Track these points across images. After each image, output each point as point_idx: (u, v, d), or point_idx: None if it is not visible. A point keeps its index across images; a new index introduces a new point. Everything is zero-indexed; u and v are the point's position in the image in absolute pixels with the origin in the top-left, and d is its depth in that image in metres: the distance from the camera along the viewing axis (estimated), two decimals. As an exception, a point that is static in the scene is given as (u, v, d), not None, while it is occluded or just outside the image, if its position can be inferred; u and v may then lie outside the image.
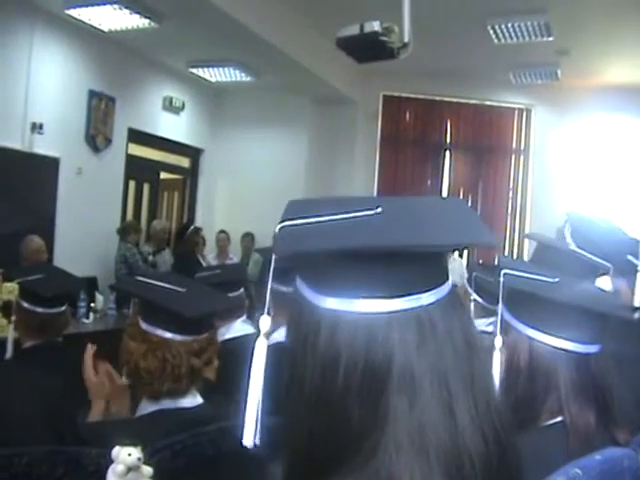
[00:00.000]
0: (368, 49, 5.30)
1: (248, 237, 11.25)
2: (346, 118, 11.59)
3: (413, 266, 0.95)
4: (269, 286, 1.01)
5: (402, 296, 0.94)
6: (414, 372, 0.93)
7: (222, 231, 11.22)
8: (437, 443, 0.91)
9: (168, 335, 2.24)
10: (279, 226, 1.00)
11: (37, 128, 8.52)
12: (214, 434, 1.97)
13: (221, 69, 10.54)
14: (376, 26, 5.08)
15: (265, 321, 1.01)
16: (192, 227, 10.99)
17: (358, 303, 0.95)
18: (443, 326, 0.96)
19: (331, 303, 0.97)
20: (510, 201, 11.98)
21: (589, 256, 2.70)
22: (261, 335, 1.01)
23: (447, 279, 1.00)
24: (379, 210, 0.97)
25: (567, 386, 1.64)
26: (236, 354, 2.50)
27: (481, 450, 0.92)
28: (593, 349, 1.68)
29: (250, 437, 1.01)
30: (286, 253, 0.99)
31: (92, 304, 7.64)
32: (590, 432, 1.60)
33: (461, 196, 11.83)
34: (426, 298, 0.95)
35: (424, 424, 0.92)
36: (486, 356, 0.99)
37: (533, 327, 1.69)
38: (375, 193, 11.67)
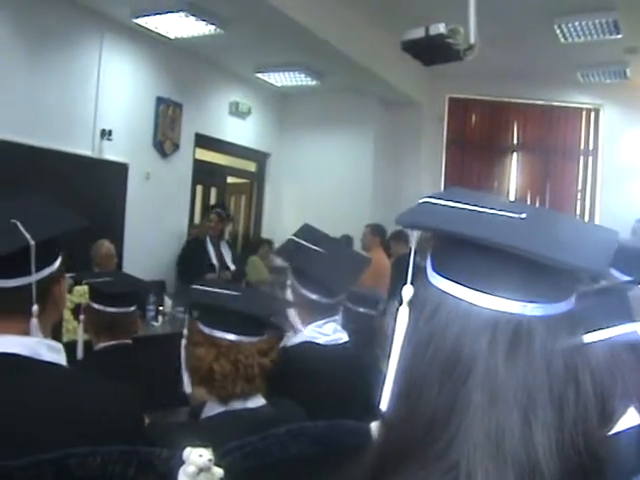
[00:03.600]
0: (434, 51, 5.28)
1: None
2: (412, 120, 11.52)
3: (531, 274, 0.94)
4: (411, 258, 1.03)
5: (507, 298, 0.94)
6: (498, 375, 0.92)
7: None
8: (512, 450, 0.90)
9: (235, 337, 2.27)
10: (421, 200, 1.02)
11: (106, 135, 8.68)
12: (283, 436, 1.98)
13: (287, 73, 10.60)
14: (442, 28, 5.06)
15: (408, 290, 1.02)
16: (264, 243, 11.01)
17: (466, 291, 0.95)
18: (541, 342, 0.94)
19: (444, 284, 0.98)
20: (578, 203, 11.77)
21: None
22: (404, 304, 1.02)
23: (565, 299, 0.98)
24: (523, 216, 0.97)
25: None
26: (294, 361, 2.51)
27: (556, 472, 0.91)
28: None
29: (385, 402, 1.02)
30: (419, 226, 1.02)
31: (160, 307, 7.72)
32: None
33: (528, 198, 11.67)
34: (531, 309, 0.94)
35: (502, 427, 0.91)
36: (589, 387, 0.95)
37: None
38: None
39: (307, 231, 3.23)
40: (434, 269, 1.01)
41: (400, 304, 1.04)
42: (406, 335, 1.02)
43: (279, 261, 10.50)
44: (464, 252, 0.96)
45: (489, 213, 0.98)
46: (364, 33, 8.96)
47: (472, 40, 5.11)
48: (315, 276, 2.98)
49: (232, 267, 9.00)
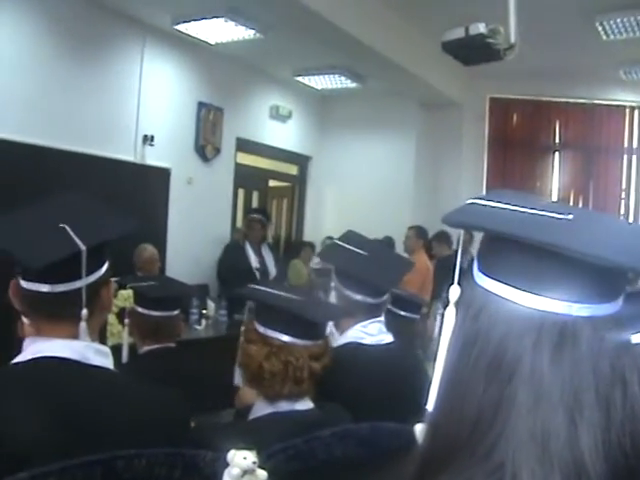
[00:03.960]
0: (474, 51, 5.26)
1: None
2: (453, 121, 11.47)
3: (578, 275, 0.94)
4: (458, 258, 1.04)
5: (553, 298, 0.94)
6: (544, 375, 0.92)
7: (329, 237, 11.21)
8: (558, 451, 0.90)
9: (288, 339, 2.30)
10: (468, 201, 1.03)
11: (148, 140, 8.76)
12: (328, 439, 1.98)
13: (327, 76, 10.59)
14: (481, 28, 5.04)
15: (455, 291, 1.03)
16: (306, 246, 11.03)
17: (512, 291, 0.96)
18: (587, 343, 0.93)
19: (490, 284, 0.98)
20: (622, 202, 11.62)
21: None
22: (451, 304, 1.03)
23: (613, 300, 0.97)
24: (570, 217, 0.97)
25: None
26: (342, 362, 2.52)
27: (602, 473, 0.90)
28: None
29: (431, 402, 1.03)
30: (466, 226, 1.03)
31: (204, 311, 7.77)
32: None
33: (571, 198, 11.55)
34: (577, 309, 0.94)
35: (547, 428, 0.91)
36: (636, 388, 0.94)
37: None
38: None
39: (350, 236, 3.26)
40: (480, 269, 1.01)
41: (446, 305, 1.04)
42: (452, 335, 1.02)
43: (321, 264, 10.53)
44: (510, 252, 0.97)
45: (536, 214, 0.98)
46: (404, 35, 8.95)
47: (512, 39, 5.08)
48: (359, 276, 3.01)
49: (274, 271, 8.99)
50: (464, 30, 5.11)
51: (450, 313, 1.03)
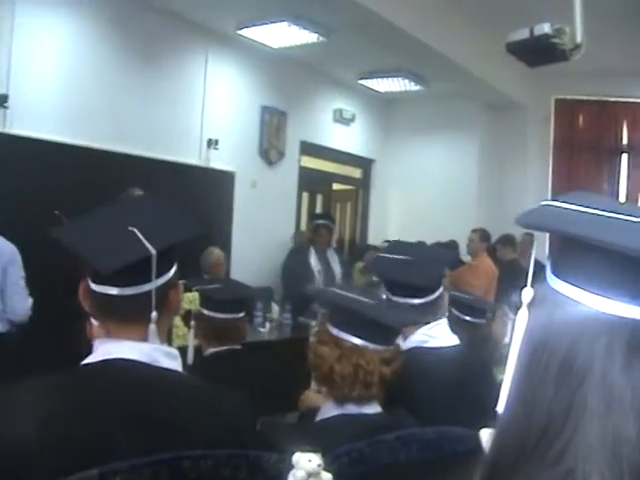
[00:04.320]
0: (539, 52, 5.20)
1: (421, 246, 11.13)
2: (517, 123, 11.35)
3: None
4: (532, 260, 1.04)
5: (627, 303, 0.93)
6: (615, 380, 0.91)
7: (387, 241, 11.16)
8: (629, 457, 0.88)
9: (360, 342, 2.30)
10: (542, 203, 1.03)
11: (213, 144, 8.84)
12: (392, 443, 1.98)
13: (390, 79, 10.57)
14: (547, 28, 4.98)
15: (528, 293, 1.02)
16: (370, 249, 11.01)
17: (585, 295, 0.95)
18: None
19: (562, 287, 0.98)
20: (692, 203, 11.36)
21: None
22: (523, 306, 1.02)
23: None
24: None
25: None
26: (408, 367, 2.52)
27: None
28: None
29: (502, 405, 1.03)
30: (540, 227, 1.02)
31: (268, 314, 7.82)
32: None
33: (639, 201, 11.33)
34: None
35: (618, 433, 0.89)
36: None
37: None
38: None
39: (392, 245, 3.32)
40: (553, 272, 1.00)
41: (517, 308, 1.04)
42: (523, 338, 1.01)
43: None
44: (584, 255, 0.95)
45: (611, 217, 0.97)
46: (467, 36, 8.89)
47: (578, 39, 5.01)
48: (397, 279, 3.05)
49: (339, 274, 8.99)
50: (529, 31, 5.06)
51: (522, 316, 1.02)
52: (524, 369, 0.99)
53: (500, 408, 1.02)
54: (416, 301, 3.01)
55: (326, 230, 9.04)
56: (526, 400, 0.97)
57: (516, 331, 1.03)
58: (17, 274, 4.81)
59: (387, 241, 10.88)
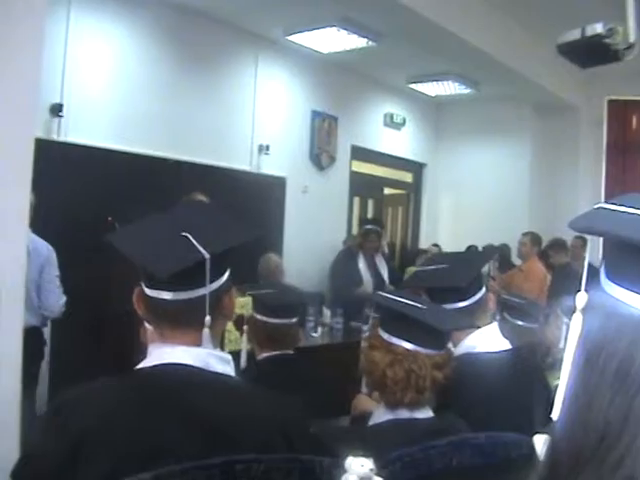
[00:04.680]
0: (591, 53, 5.14)
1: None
2: (569, 126, 11.21)
3: None
4: (586, 264, 1.03)
5: None
6: None
7: (435, 244, 11.10)
8: None
9: (411, 347, 2.30)
10: (596, 205, 1.02)
11: (264, 149, 8.90)
12: (444, 448, 1.98)
13: (440, 83, 10.54)
14: (599, 28, 4.92)
15: (582, 298, 1.02)
16: (421, 253, 10.98)
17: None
18: None
19: (617, 292, 0.97)
20: None
21: None
22: (577, 311, 1.02)
23: None
24: None
25: None
26: (459, 372, 2.51)
27: None
28: None
29: (556, 412, 1.02)
30: (593, 231, 1.01)
31: (319, 318, 7.82)
32: None
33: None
34: None
35: None
36: None
37: None
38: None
39: (430, 259, 3.36)
40: (607, 276, 0.99)
41: (572, 313, 1.03)
42: (578, 343, 1.00)
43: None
44: (635, 258, 0.94)
45: None
46: (518, 38, 8.83)
47: (632, 39, 4.94)
48: (436, 285, 3.09)
49: (387, 279, 8.94)
50: (580, 31, 5.01)
51: (576, 321, 1.02)
52: (580, 375, 0.98)
53: (555, 414, 1.01)
54: (459, 305, 3.01)
55: (375, 235, 9.00)
56: (582, 406, 0.96)
57: (570, 336, 1.02)
58: (52, 272, 4.99)
59: (435, 244, 10.88)
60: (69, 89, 6.83)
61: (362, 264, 8.84)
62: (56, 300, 5.00)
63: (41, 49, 3.85)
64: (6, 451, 3.44)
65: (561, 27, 5.22)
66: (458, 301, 3.02)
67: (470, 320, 2.89)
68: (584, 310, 1.01)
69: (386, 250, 9.71)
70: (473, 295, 3.07)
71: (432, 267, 3.28)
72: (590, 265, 1.05)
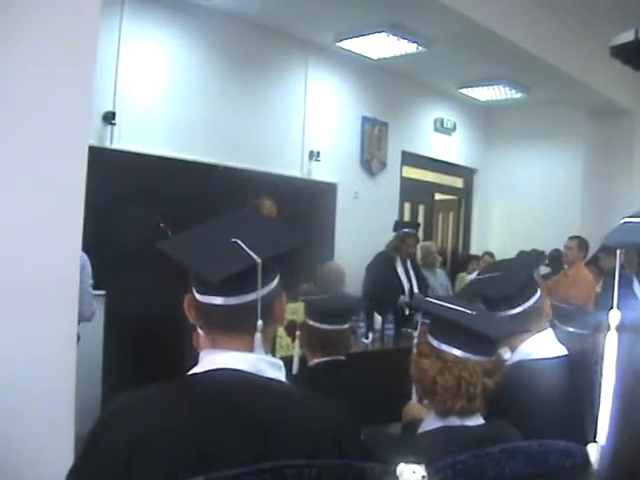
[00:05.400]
0: (645, 56, 5.08)
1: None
2: (623, 130, 11.07)
3: None
4: (616, 280, 1.02)
5: None
6: None
7: (487, 253, 10.97)
8: None
9: (461, 353, 2.28)
10: (622, 220, 1.01)
11: (315, 156, 8.94)
12: (497, 455, 1.96)
13: (491, 87, 10.50)
14: (652, 30, 4.86)
15: (615, 316, 1.00)
16: (472, 259, 10.92)
17: None
18: None
19: None
20: None
21: None
22: (611, 329, 1.00)
23: None
24: None
25: None
26: (514, 379, 2.48)
27: None
28: None
29: (603, 436, 1.01)
30: (626, 245, 1.00)
31: (370, 324, 7.79)
32: None
33: None
34: None
35: None
36: None
37: None
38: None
39: (485, 268, 3.38)
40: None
41: (607, 329, 1.02)
42: (621, 358, 0.99)
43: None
44: None
45: None
46: (569, 41, 8.75)
47: (686, 41, 4.88)
48: (489, 293, 3.10)
49: (415, 286, 8.72)
50: (634, 33, 4.95)
51: (612, 338, 1.00)
52: (626, 387, 0.97)
53: (601, 429, 1.00)
54: (514, 311, 3.00)
55: (414, 239, 8.83)
56: (632, 421, 0.95)
57: (607, 352, 1.00)
58: (87, 281, 5.09)
59: (489, 253, 10.78)
60: (121, 97, 6.94)
61: (400, 269, 8.65)
62: (88, 307, 5.11)
63: (94, 57, 3.89)
64: (62, 453, 3.50)
65: (614, 29, 5.15)
66: (510, 308, 3.01)
67: (519, 325, 2.88)
68: (618, 328, 1.00)
69: (419, 255, 9.62)
70: (526, 301, 3.05)
71: (486, 275, 3.30)
72: (622, 276, 1.04)
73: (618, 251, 1.09)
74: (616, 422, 0.98)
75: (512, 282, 3.11)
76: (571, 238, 8.92)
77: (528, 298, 3.06)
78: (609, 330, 1.00)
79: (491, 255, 10.72)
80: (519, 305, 3.04)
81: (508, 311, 3.00)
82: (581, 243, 8.83)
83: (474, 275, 10.21)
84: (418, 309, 2.86)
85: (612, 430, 0.99)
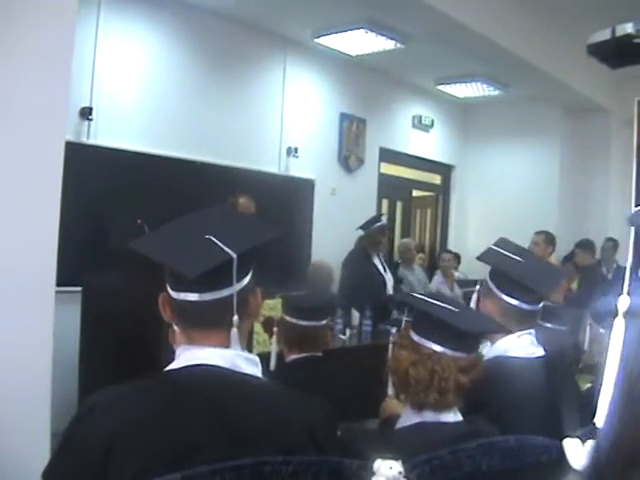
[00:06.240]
0: (621, 54, 5.10)
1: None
2: (599, 127, 11.12)
3: None
4: (628, 263, 1.02)
5: None
6: None
7: (449, 251, 10.99)
8: None
9: (439, 349, 2.29)
10: (634, 210, 1.02)
11: (292, 152, 8.92)
12: (473, 451, 1.97)
13: (469, 84, 10.51)
14: (629, 28, 4.86)
15: (624, 301, 1.00)
16: (447, 254, 10.91)
17: None
18: None
19: None
20: None
21: None
22: (619, 315, 1.00)
23: None
24: None
25: None
26: (490, 375, 2.49)
27: None
28: None
29: (601, 417, 1.01)
30: None
31: (347, 320, 7.79)
32: None
33: None
34: None
35: None
36: None
37: None
38: (633, 205, 11.08)
39: (505, 242, 3.21)
40: None
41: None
42: (624, 347, 0.99)
43: (462, 275, 10.43)
44: None
45: None
46: (547, 39, 8.77)
47: (663, 39, 4.91)
48: (517, 278, 2.96)
49: (391, 280, 8.65)
50: (610, 31, 4.97)
51: (619, 325, 1.00)
52: (628, 378, 0.97)
53: (599, 419, 1.00)
54: (525, 306, 2.95)
55: (389, 232, 8.76)
56: (634, 412, 0.95)
57: (613, 339, 1.01)
58: None
59: (449, 250, 10.77)
60: (98, 92, 6.90)
61: (378, 264, 8.54)
62: None
63: (71, 53, 3.87)
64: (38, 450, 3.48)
65: (591, 27, 5.17)
66: (525, 302, 2.96)
67: (498, 324, 2.86)
68: (626, 314, 1.00)
69: (397, 251, 9.61)
70: (540, 302, 3.03)
71: (510, 255, 3.07)
72: (619, 267, 1.04)
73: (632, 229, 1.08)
74: (618, 407, 0.98)
75: (548, 281, 3.05)
76: (537, 233, 8.73)
77: (542, 300, 3.04)
78: (617, 316, 1.00)
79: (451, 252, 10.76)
80: (535, 304, 3.00)
81: (523, 305, 2.94)
82: (548, 238, 8.64)
83: (457, 273, 10.29)
84: (401, 303, 2.85)
85: (613, 415, 0.99)
